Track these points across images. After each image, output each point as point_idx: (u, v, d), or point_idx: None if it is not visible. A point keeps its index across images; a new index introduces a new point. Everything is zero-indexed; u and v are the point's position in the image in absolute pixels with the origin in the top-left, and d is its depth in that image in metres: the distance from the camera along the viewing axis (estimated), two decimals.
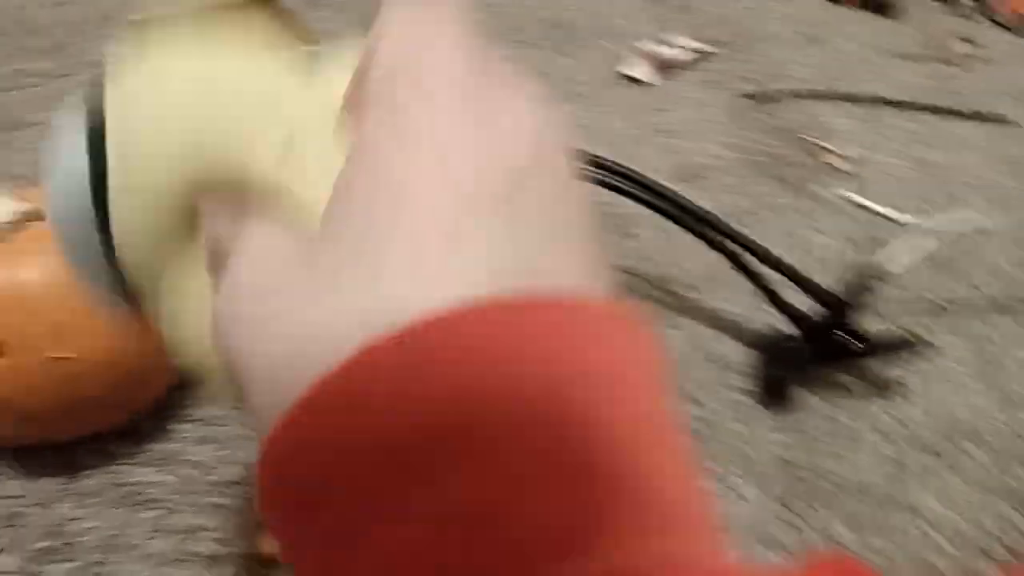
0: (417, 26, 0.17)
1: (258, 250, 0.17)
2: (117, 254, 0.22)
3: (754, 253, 0.52)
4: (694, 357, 0.53)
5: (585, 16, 0.92)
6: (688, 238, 0.61)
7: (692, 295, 0.58)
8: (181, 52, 0.21)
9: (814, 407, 0.51)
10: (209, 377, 0.22)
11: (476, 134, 0.16)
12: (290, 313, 0.15)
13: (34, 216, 0.42)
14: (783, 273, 0.51)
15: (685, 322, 0.56)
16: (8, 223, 0.41)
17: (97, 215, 0.20)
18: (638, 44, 0.87)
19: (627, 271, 0.59)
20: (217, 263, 0.19)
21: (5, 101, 0.71)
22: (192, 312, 0.21)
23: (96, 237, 0.21)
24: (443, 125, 0.16)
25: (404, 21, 0.17)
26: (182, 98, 0.20)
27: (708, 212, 0.52)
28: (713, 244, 0.52)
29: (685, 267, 0.60)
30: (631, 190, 0.54)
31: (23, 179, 0.63)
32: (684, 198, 0.53)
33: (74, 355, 0.40)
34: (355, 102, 0.18)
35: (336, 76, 0.20)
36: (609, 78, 0.82)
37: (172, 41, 0.21)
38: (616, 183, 0.55)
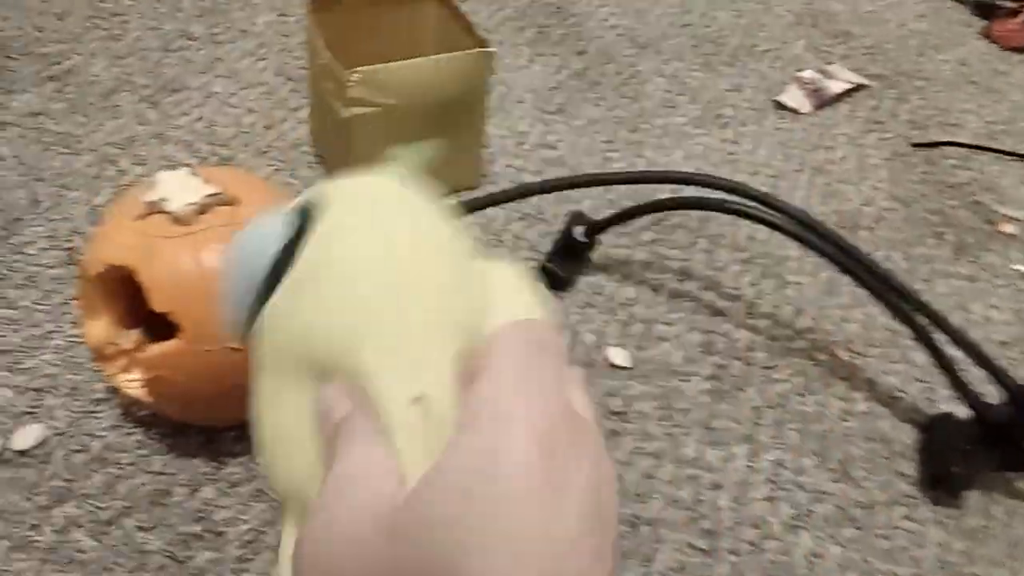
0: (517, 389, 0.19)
1: (354, 500, 0.19)
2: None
3: (934, 323, 0.48)
4: (851, 430, 0.50)
5: (740, 35, 0.88)
6: (850, 292, 0.58)
7: (850, 358, 0.55)
8: (387, 225, 0.23)
9: (984, 508, 0.47)
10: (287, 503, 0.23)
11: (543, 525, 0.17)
12: None
13: (218, 200, 0.41)
14: (965, 351, 0.47)
15: (841, 388, 0.52)
16: (194, 205, 0.40)
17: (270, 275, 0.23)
18: (793, 71, 0.83)
19: (780, 323, 0.56)
20: (324, 440, 0.21)
21: (163, 62, 0.72)
22: (290, 452, 0.22)
23: (249, 300, 0.24)
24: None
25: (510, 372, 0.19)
26: (367, 277, 0.22)
27: (886, 269, 0.49)
28: (888, 305, 0.49)
29: (844, 324, 0.56)
30: (800, 233, 0.51)
31: (182, 143, 0.64)
32: (859, 249, 0.50)
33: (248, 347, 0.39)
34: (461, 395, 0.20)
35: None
36: (762, 103, 0.78)
37: (385, 207, 0.24)
38: (782, 224, 0.51)
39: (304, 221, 0.23)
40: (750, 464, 0.47)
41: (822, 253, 0.50)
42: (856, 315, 0.57)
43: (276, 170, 0.63)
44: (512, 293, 0.23)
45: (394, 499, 0.18)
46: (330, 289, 0.22)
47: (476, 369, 0.19)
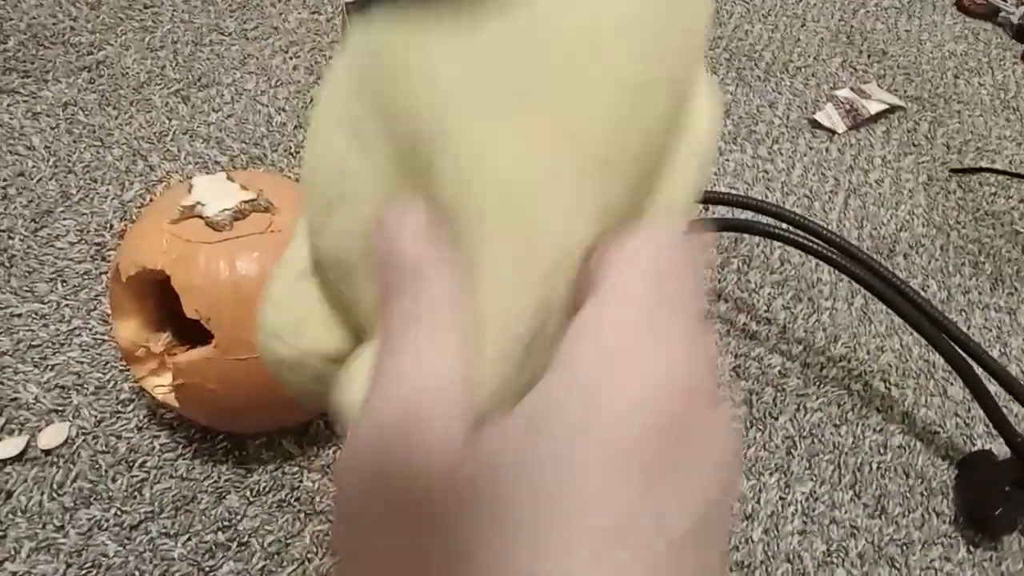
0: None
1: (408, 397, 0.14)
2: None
3: (972, 356, 0.47)
4: (887, 464, 0.49)
5: (775, 49, 0.87)
6: (885, 320, 0.57)
7: (885, 388, 0.54)
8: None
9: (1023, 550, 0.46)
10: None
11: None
12: None
13: (254, 206, 0.41)
14: (1004, 387, 0.46)
15: (876, 420, 0.51)
16: (229, 211, 0.40)
17: None
18: (828, 88, 0.81)
19: (814, 349, 0.55)
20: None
21: (195, 56, 0.71)
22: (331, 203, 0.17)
23: None
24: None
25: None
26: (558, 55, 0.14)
27: (923, 298, 0.48)
28: (925, 335, 0.48)
29: (880, 353, 0.55)
30: (835, 257, 0.50)
31: (212, 140, 0.63)
32: (895, 276, 0.49)
33: None
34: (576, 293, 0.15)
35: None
36: (796, 121, 0.77)
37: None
38: (816, 247, 0.50)
39: None
40: (783, 496, 0.47)
41: (857, 279, 0.49)
42: (892, 344, 0.56)
43: None
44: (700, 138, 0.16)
45: (456, 433, 0.13)
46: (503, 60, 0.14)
47: (596, 280, 0.14)
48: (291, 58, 0.73)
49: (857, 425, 0.51)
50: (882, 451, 0.50)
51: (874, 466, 0.49)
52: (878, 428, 0.51)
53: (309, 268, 0.18)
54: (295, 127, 0.66)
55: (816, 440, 0.50)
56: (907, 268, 0.63)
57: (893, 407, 0.52)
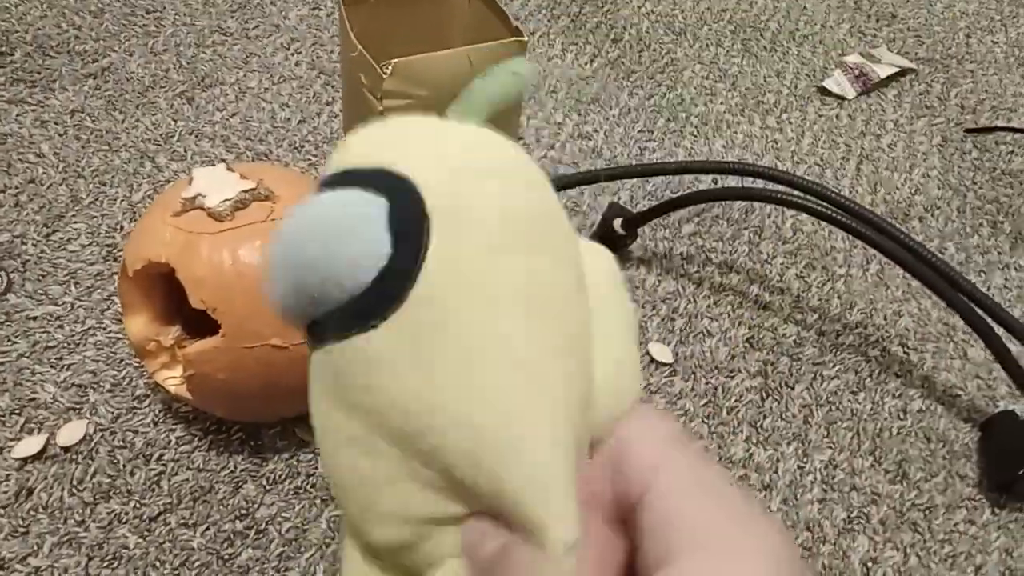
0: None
1: None
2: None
3: (992, 316, 0.46)
4: (907, 429, 0.48)
5: (780, 19, 0.85)
6: (902, 284, 0.56)
7: (903, 353, 0.53)
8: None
9: None
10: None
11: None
12: None
13: (254, 196, 0.41)
14: None
15: (895, 385, 0.50)
16: (230, 201, 0.40)
17: (365, 298, 0.17)
18: (837, 55, 0.80)
19: (829, 317, 0.54)
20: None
21: (198, 58, 0.72)
22: (370, 499, 0.19)
23: (320, 307, 0.18)
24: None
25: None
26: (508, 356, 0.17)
27: (941, 259, 0.47)
28: (943, 297, 0.47)
29: (897, 318, 0.54)
30: (849, 222, 0.49)
31: (218, 138, 0.64)
32: (911, 239, 0.48)
33: (288, 344, 0.39)
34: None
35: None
36: (804, 90, 0.76)
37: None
38: (830, 213, 0.49)
39: (410, 215, 0.17)
40: (801, 465, 0.46)
41: (872, 243, 0.48)
42: (910, 308, 0.55)
43: (311, 164, 0.62)
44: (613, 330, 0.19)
45: None
46: (471, 372, 0.17)
47: (638, 485, 0.17)
48: (293, 55, 0.73)
49: (875, 391, 0.50)
50: (902, 416, 0.49)
51: (894, 431, 0.48)
52: (897, 393, 0.50)
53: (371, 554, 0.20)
54: (299, 122, 0.66)
55: (834, 408, 0.49)
56: (923, 232, 0.62)
57: (912, 371, 0.51)
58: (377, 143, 0.19)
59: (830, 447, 0.47)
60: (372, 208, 0.17)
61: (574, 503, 0.17)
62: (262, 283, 0.19)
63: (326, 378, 0.18)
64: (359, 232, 0.17)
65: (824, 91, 0.75)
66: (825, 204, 0.49)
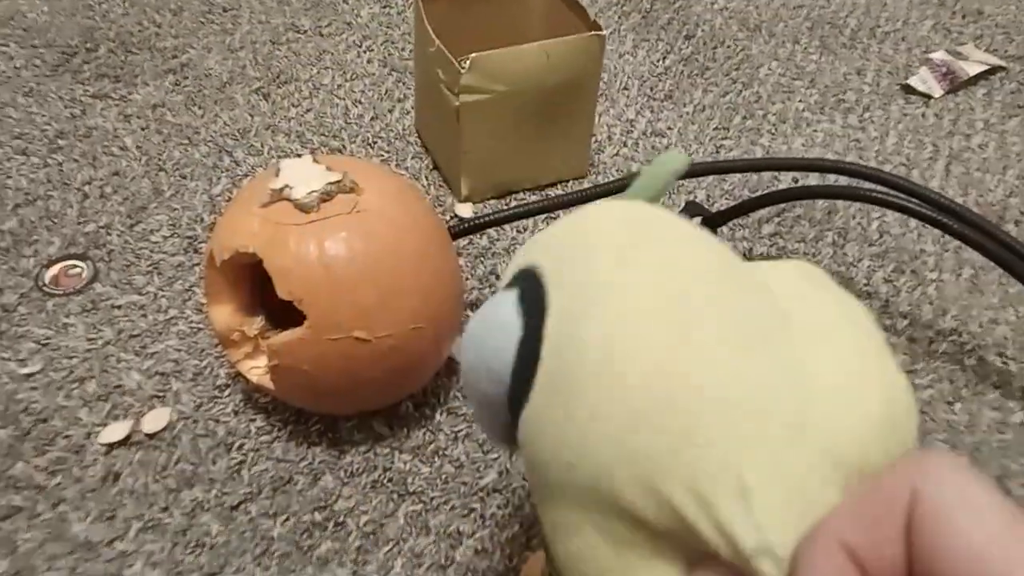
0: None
1: None
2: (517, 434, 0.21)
3: None
4: (1007, 444, 0.45)
5: (859, 15, 0.83)
6: (999, 290, 0.53)
7: (1002, 363, 0.50)
8: (653, 288, 0.18)
9: None
10: None
11: None
12: None
13: (339, 187, 0.41)
14: None
15: (993, 396, 0.48)
16: (316, 193, 0.40)
17: (516, 379, 0.19)
18: (920, 52, 0.77)
19: (921, 324, 0.52)
20: None
21: (273, 55, 0.73)
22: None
23: (503, 412, 0.20)
24: None
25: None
26: (643, 380, 0.16)
27: None
28: None
29: (994, 326, 0.52)
30: (944, 221, 0.46)
31: (293, 133, 0.64)
32: (1013, 238, 0.45)
33: (371, 337, 0.39)
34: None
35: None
36: (887, 88, 0.73)
37: (643, 263, 0.18)
38: (923, 211, 0.47)
39: (534, 294, 0.19)
40: None
41: (969, 242, 0.45)
42: (1007, 316, 0.52)
43: (384, 160, 0.63)
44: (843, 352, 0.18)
45: None
46: (610, 400, 0.16)
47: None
48: (365, 52, 0.74)
49: (972, 402, 0.47)
50: (1001, 429, 0.46)
51: (993, 445, 0.45)
52: (995, 405, 0.47)
53: None
54: (371, 118, 0.66)
55: (928, 418, 0.46)
56: (1019, 236, 0.59)
57: (1012, 382, 0.48)
58: (528, 245, 0.21)
59: None
60: (505, 299, 0.19)
61: (791, 525, 0.16)
62: (463, 380, 0.22)
63: (530, 476, 0.19)
64: (495, 323, 0.19)
65: (909, 89, 0.72)
66: (916, 201, 0.47)
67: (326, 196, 0.40)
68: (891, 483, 0.16)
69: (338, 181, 0.41)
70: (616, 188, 0.53)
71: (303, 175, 0.41)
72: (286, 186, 0.41)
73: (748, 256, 0.56)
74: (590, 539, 0.17)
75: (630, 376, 0.16)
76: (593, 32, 0.56)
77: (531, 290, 0.19)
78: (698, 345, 0.16)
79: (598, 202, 0.22)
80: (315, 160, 0.42)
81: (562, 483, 0.17)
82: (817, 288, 0.20)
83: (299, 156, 0.43)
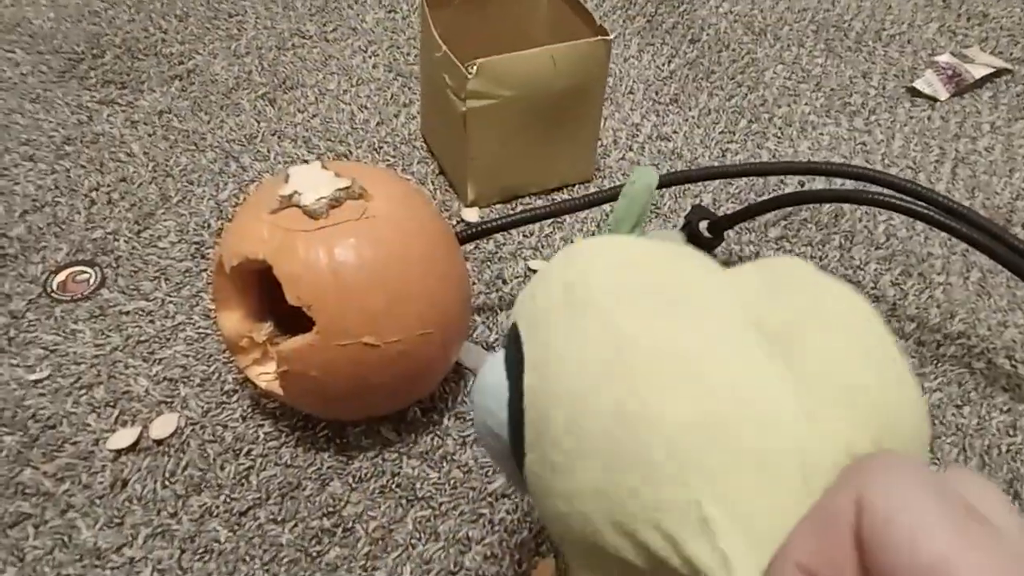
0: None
1: None
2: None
3: None
4: (1018, 447, 0.45)
5: (864, 18, 0.83)
6: (1006, 293, 0.53)
7: (1011, 366, 0.50)
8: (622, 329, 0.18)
9: None
10: None
11: None
12: None
13: (348, 194, 0.41)
14: None
15: (1002, 399, 0.48)
16: (325, 199, 0.40)
17: (512, 436, 0.20)
18: (926, 55, 0.77)
19: (929, 327, 0.52)
20: None
21: (279, 60, 0.73)
22: None
23: (507, 448, 0.21)
24: None
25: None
26: (613, 431, 0.17)
27: None
28: None
29: (1002, 329, 0.51)
30: (952, 224, 0.46)
31: (299, 139, 0.64)
32: (1020, 240, 0.45)
33: (380, 343, 0.39)
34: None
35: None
36: (893, 91, 0.73)
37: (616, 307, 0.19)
38: (930, 213, 0.47)
39: (514, 351, 0.20)
40: None
41: (977, 246, 0.45)
42: (1015, 319, 0.52)
43: (390, 164, 0.63)
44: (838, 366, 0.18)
45: None
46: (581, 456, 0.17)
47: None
48: (370, 57, 0.74)
49: (981, 405, 0.47)
50: (1011, 432, 0.46)
51: (1003, 448, 0.45)
52: (1005, 408, 0.47)
53: None
54: (377, 124, 0.66)
55: (937, 422, 0.46)
56: None
57: (1021, 385, 0.48)
58: (518, 299, 0.22)
59: (935, 463, 0.44)
60: (495, 361, 0.20)
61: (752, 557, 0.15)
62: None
63: (547, 526, 0.20)
64: (487, 386, 0.19)
65: (915, 92, 0.72)
66: (923, 204, 0.47)
67: (335, 202, 0.40)
68: (838, 494, 0.15)
69: (347, 187, 0.41)
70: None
71: (312, 181, 0.41)
72: (295, 192, 0.41)
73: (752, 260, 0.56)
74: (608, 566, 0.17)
75: (590, 421, 0.17)
76: (599, 37, 0.56)
77: (512, 348, 0.20)
78: (651, 380, 0.17)
79: (568, 247, 0.22)
80: (324, 166, 0.42)
81: (561, 533, 0.18)
82: (809, 287, 0.20)
83: (307, 162, 0.43)
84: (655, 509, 0.16)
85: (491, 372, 0.20)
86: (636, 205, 0.26)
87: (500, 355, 0.21)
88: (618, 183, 0.62)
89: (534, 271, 0.55)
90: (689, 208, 0.59)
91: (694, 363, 0.17)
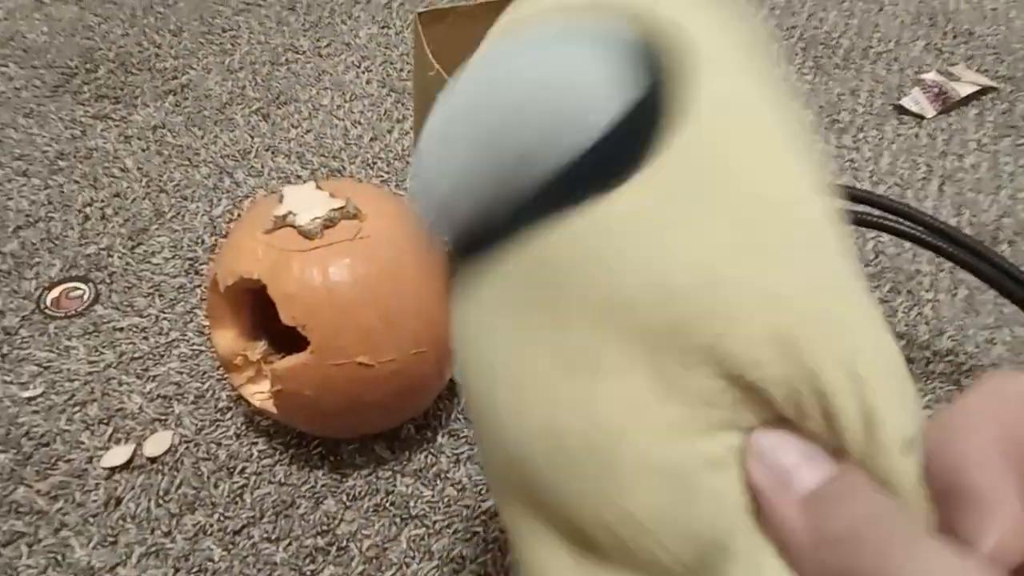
0: None
1: None
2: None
3: None
4: None
5: (852, 36, 0.84)
6: (995, 311, 0.54)
7: None
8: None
9: None
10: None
11: None
12: None
13: (343, 214, 0.41)
14: None
15: None
16: (320, 220, 0.41)
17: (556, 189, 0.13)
18: (913, 73, 0.78)
19: (917, 344, 0.52)
20: None
21: (273, 75, 0.73)
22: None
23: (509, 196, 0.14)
24: None
25: None
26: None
27: None
28: None
29: (990, 346, 0.52)
30: (938, 244, 0.47)
31: (293, 155, 0.65)
32: (1007, 260, 0.46)
33: (374, 362, 0.39)
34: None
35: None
36: (880, 108, 0.74)
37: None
38: (917, 234, 0.48)
39: (654, 81, 0.13)
40: None
41: (964, 265, 0.46)
42: (1003, 336, 0.53)
43: (384, 181, 0.63)
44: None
45: None
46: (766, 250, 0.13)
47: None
48: (363, 72, 0.75)
49: None
50: None
51: None
52: None
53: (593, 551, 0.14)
54: (371, 139, 0.67)
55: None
56: (1013, 257, 0.59)
57: None
58: None
59: None
60: (592, 53, 0.13)
61: (913, 395, 0.12)
62: (410, 182, 0.15)
63: (508, 297, 0.13)
64: (574, 84, 0.12)
65: (902, 109, 0.73)
66: (910, 224, 0.48)
67: (329, 223, 0.41)
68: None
69: (341, 207, 0.41)
70: None
71: (306, 201, 0.41)
72: (290, 212, 0.41)
73: None
74: (610, 380, 0.13)
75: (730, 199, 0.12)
76: None
77: (647, 56, 0.13)
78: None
79: None
80: (318, 186, 0.43)
81: (598, 306, 0.13)
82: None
83: (302, 181, 0.43)
84: (841, 347, 0.12)
85: (589, 69, 0.13)
86: None
87: (604, 50, 0.13)
88: None
89: None
90: None
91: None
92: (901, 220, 0.48)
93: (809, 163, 0.14)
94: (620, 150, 0.12)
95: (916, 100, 0.74)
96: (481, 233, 0.14)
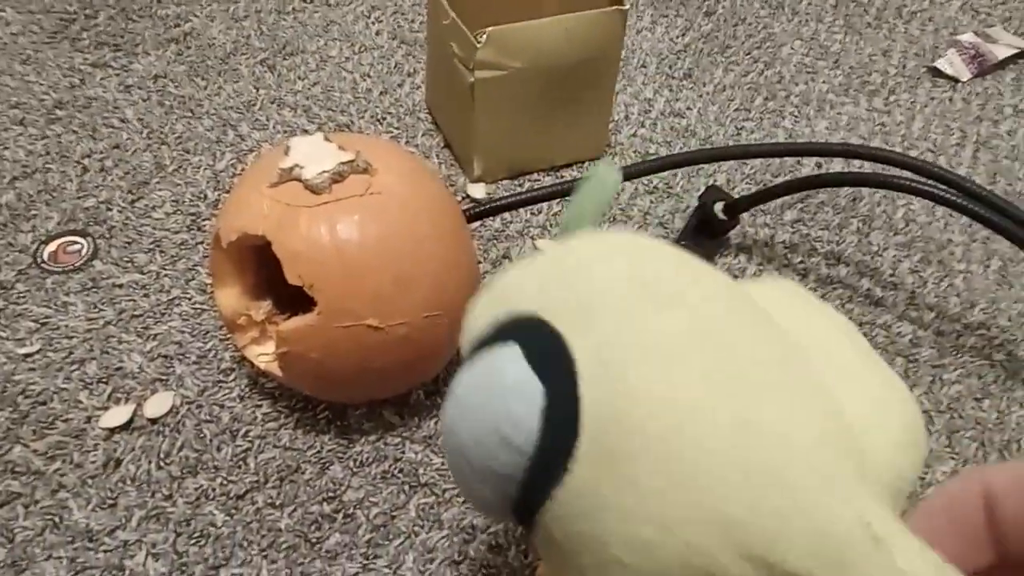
0: None
1: None
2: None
3: None
4: None
5: None
6: None
7: None
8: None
9: None
10: None
11: None
12: None
13: (352, 168, 0.39)
14: None
15: (1022, 393, 0.46)
16: (328, 173, 0.38)
17: (542, 450, 0.16)
18: (948, 34, 0.74)
19: (948, 316, 0.50)
20: None
21: (279, 25, 0.70)
22: None
23: (511, 488, 0.18)
24: None
25: None
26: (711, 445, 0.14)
27: None
28: None
29: (1021, 319, 0.50)
30: (976, 209, 0.45)
31: (299, 108, 0.62)
32: None
33: (384, 325, 0.37)
34: None
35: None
36: (913, 70, 0.70)
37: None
38: (954, 198, 0.45)
39: (550, 349, 0.16)
40: (921, 476, 0.43)
41: (1001, 231, 0.44)
42: None
43: (393, 136, 0.61)
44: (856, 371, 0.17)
45: None
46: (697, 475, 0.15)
47: None
48: (373, 23, 0.71)
49: (1002, 399, 0.46)
50: None
51: None
52: None
53: None
54: (380, 93, 0.64)
55: (956, 415, 0.45)
56: None
57: None
58: (500, 291, 0.19)
59: (952, 458, 0.43)
60: (508, 357, 0.16)
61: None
62: (448, 460, 0.19)
63: (566, 559, 0.16)
64: (504, 387, 0.16)
65: (936, 72, 0.70)
66: (950, 190, 0.45)
67: (338, 177, 0.39)
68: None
69: (351, 161, 0.39)
70: (630, 174, 0.51)
71: (314, 154, 0.39)
72: (296, 165, 0.39)
73: (769, 244, 0.55)
74: None
75: (710, 435, 0.14)
76: (615, 6, 0.53)
77: (543, 345, 0.16)
78: (762, 390, 0.15)
79: (578, 238, 0.20)
80: (326, 138, 0.40)
81: (629, 563, 0.15)
82: (806, 306, 0.20)
83: (308, 133, 0.41)
84: (813, 530, 0.14)
85: (509, 371, 0.16)
86: (598, 206, 0.24)
87: (512, 352, 0.17)
88: (630, 161, 0.60)
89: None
90: (703, 188, 0.57)
91: (793, 374, 0.15)
92: (936, 184, 0.45)
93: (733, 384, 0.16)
94: (555, 441, 0.16)
95: (951, 62, 0.70)
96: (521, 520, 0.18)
